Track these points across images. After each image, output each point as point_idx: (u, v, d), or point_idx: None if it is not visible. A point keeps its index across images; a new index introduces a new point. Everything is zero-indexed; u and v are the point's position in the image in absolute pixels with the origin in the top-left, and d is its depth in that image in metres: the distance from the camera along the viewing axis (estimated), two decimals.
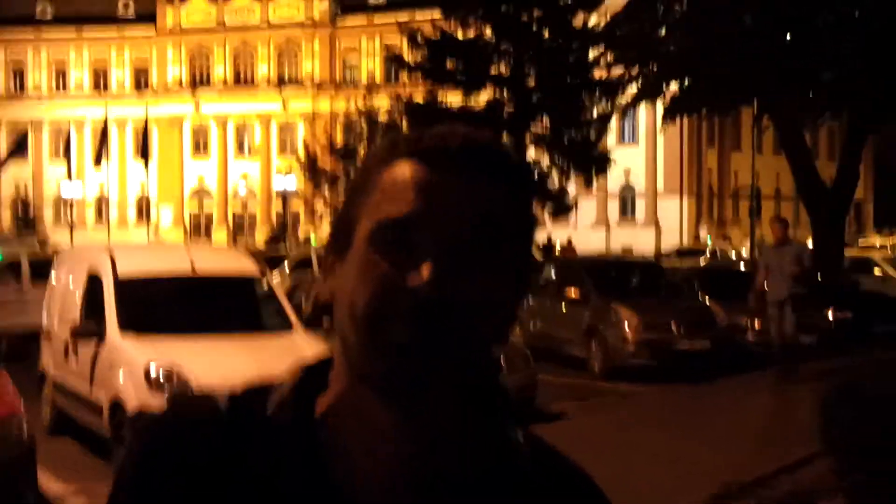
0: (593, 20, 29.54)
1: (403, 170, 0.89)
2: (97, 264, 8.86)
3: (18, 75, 69.23)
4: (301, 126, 64.12)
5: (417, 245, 0.86)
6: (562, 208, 30.64)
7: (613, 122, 32.57)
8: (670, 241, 49.78)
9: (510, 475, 0.94)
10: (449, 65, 29.27)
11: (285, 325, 8.53)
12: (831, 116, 21.83)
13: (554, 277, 15.50)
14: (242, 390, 0.97)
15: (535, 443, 0.98)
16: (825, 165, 28.70)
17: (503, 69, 29.25)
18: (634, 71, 21.38)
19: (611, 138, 32.62)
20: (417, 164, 0.89)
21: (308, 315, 10.11)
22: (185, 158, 66.81)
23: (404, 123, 30.60)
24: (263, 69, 66.14)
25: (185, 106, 66.00)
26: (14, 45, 67.57)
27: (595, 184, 33.10)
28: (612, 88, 27.03)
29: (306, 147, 46.80)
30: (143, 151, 56.95)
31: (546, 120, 29.49)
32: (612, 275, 15.58)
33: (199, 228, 65.32)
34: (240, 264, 9.48)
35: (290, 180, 48.59)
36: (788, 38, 17.87)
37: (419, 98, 30.17)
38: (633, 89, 22.25)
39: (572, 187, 32.12)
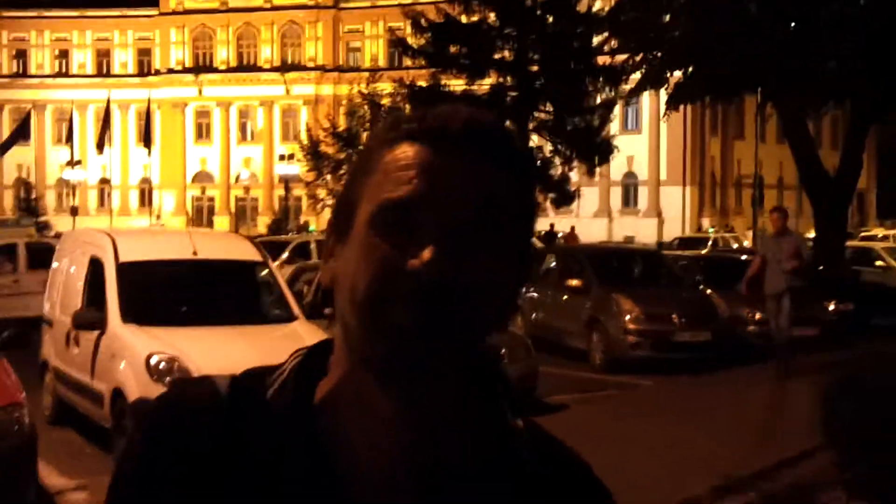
0: (597, 5, 29.46)
1: (406, 151, 0.89)
2: (99, 248, 8.86)
3: (21, 56, 69.12)
4: (304, 111, 64.02)
5: (419, 227, 0.86)
6: (564, 197, 30.61)
7: (617, 110, 32.51)
8: (673, 231, 49.73)
9: (510, 462, 0.94)
10: (452, 49, 29.21)
11: (287, 315, 8.53)
12: (834, 106, 21.76)
13: (555, 266, 15.49)
14: (242, 374, 0.97)
15: (534, 430, 0.98)
16: (828, 155, 28.65)
17: (507, 54, 29.19)
18: (638, 58, 21.32)
19: (614, 126, 32.48)
20: (419, 145, 0.89)
21: (310, 304, 10.12)
22: (188, 143, 66.74)
23: (407, 108, 30.57)
24: (266, 52, 66.01)
25: (188, 90, 65.89)
26: (17, 26, 67.42)
27: (598, 172, 33.04)
28: (615, 75, 26.96)
29: (309, 132, 46.75)
30: (146, 136, 56.97)
31: (549, 106, 29.44)
32: (614, 264, 15.57)
33: (202, 214, 65.33)
34: (241, 249, 9.47)
35: (293, 166, 48.56)
36: (792, 27, 17.81)
37: (422, 82, 30.13)
38: (636, 76, 22.19)
39: (575, 175, 32.09)
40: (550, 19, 28.76)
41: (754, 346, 12.87)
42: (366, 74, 47.76)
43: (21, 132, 54.86)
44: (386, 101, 36.70)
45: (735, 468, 7.17)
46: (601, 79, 28.55)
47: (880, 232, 38.66)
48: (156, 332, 7.83)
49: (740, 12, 17.58)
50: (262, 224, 55.42)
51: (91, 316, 8.28)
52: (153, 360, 7.45)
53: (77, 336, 8.63)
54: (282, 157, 54.23)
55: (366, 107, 38.34)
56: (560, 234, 35.93)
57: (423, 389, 0.89)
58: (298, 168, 47.40)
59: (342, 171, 38.42)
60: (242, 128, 66.93)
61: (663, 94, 23.05)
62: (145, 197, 67.57)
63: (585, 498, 0.99)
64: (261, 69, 65.68)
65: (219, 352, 7.38)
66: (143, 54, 68.10)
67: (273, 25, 65.68)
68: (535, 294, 15.23)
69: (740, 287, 12.17)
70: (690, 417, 9.62)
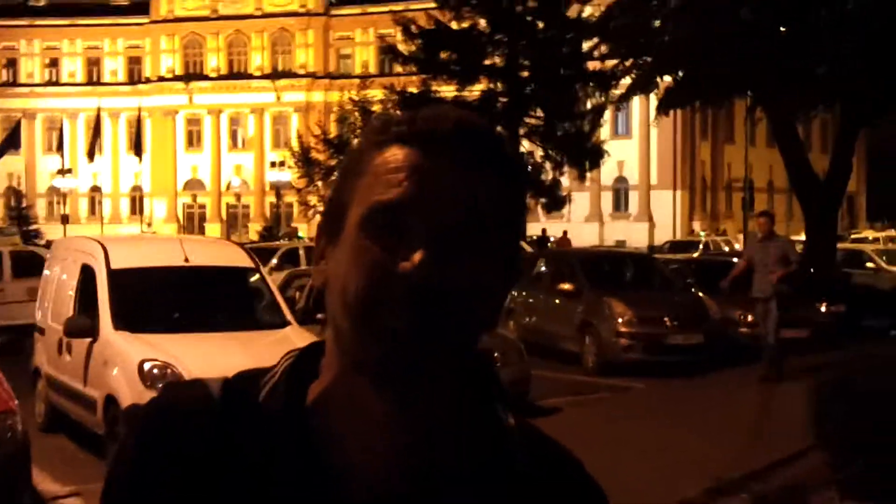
0: (587, 11, 29.52)
1: (395, 154, 0.89)
2: (90, 256, 8.84)
3: (11, 65, 68.93)
4: (295, 118, 63.98)
5: (409, 230, 0.86)
6: (555, 201, 30.64)
7: (607, 115, 32.56)
8: (664, 235, 49.80)
9: (504, 464, 0.94)
10: (443, 55, 29.24)
11: (279, 320, 8.52)
12: (824, 109, 21.85)
13: (547, 270, 15.50)
14: (234, 377, 0.97)
15: (528, 431, 0.98)
16: (818, 158, 28.77)
17: (497, 60, 29.22)
18: (628, 63, 21.38)
19: (604, 131, 32.55)
20: (409, 148, 0.89)
21: (302, 309, 10.11)
22: (179, 151, 66.62)
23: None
24: (257, 60, 65.96)
25: (179, 97, 65.79)
26: (7, 34, 67.23)
27: (588, 177, 33.09)
28: (605, 80, 27.04)
29: (300, 139, 46.70)
30: (137, 144, 56.85)
31: (540, 112, 29.48)
32: (606, 268, 15.58)
33: (193, 221, 65.20)
34: (233, 256, 9.46)
35: (284, 173, 48.50)
36: (784, 31, 17.88)
37: (413, 89, 30.14)
38: (626, 81, 22.24)
39: (566, 180, 32.13)
40: (541, 25, 28.81)
41: (747, 348, 12.89)
42: (356, 81, 47.73)
43: (11, 141, 54.69)
44: (377, 108, 36.68)
45: (728, 470, 7.19)
46: (591, 84, 28.61)
47: (871, 234, 38.81)
48: (148, 339, 7.81)
49: (731, 16, 17.64)
50: (254, 231, 55.31)
51: (83, 323, 8.25)
52: (146, 367, 7.44)
53: (69, 343, 8.61)
54: (273, 164, 54.18)
55: (356, 113, 38.30)
56: (552, 239, 35.94)
57: (416, 392, 0.89)
58: (289, 175, 47.34)
59: (333, 178, 38.38)
60: (233, 135, 66.84)
61: (653, 99, 23.13)
62: (136, 205, 67.36)
63: (579, 498, 0.99)
64: (251, 76, 65.62)
65: (211, 358, 7.36)
66: (134, 62, 67.98)
67: (263, 33, 65.64)
68: (528, 298, 15.24)
69: (723, 283, 12.24)
70: (683, 419, 9.64)
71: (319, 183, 40.21)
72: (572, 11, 29.11)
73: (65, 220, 51.25)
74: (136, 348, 7.70)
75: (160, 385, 7.17)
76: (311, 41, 65.17)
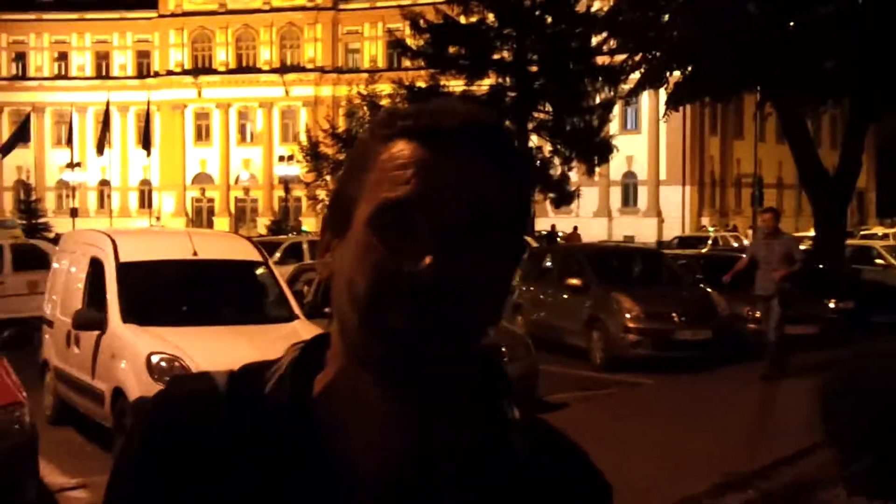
0: (596, 5, 29.47)
1: (402, 150, 0.89)
2: (99, 249, 8.86)
3: (20, 59, 69.10)
4: (303, 112, 64.01)
5: (416, 227, 0.86)
6: (564, 196, 30.60)
7: (616, 110, 32.50)
8: (673, 230, 49.73)
9: (508, 460, 0.94)
10: (451, 50, 29.22)
11: (287, 314, 8.53)
12: (833, 104, 21.78)
13: (555, 266, 15.48)
14: (240, 369, 0.97)
15: (534, 425, 0.99)
16: (828, 154, 28.68)
17: (506, 55, 29.19)
18: (637, 58, 21.32)
19: (613, 126, 32.50)
20: (416, 144, 0.89)
21: (310, 303, 10.12)
22: (188, 145, 66.72)
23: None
24: (265, 54, 65.98)
25: (188, 91, 65.88)
26: (16, 28, 67.39)
27: (597, 172, 33.04)
28: (614, 75, 26.98)
29: (308, 133, 46.72)
30: (145, 138, 56.97)
31: (548, 107, 29.44)
32: (614, 263, 15.56)
33: (202, 215, 65.31)
34: (241, 250, 9.47)
35: (293, 167, 48.54)
36: (792, 25, 17.82)
37: (422, 83, 30.12)
38: (635, 76, 22.19)
39: (574, 175, 32.08)
40: (549, 20, 28.78)
41: (755, 344, 12.86)
42: (365, 75, 47.81)
43: (21, 134, 54.85)
44: (385, 102, 36.69)
45: (735, 466, 7.18)
46: (600, 79, 28.58)
47: (880, 230, 38.68)
48: (156, 332, 7.83)
49: (739, 11, 17.58)
50: (262, 225, 55.39)
51: (91, 316, 8.27)
52: (154, 360, 7.45)
53: (77, 336, 8.63)
54: (281, 159, 54.22)
55: (365, 108, 38.33)
56: (561, 234, 35.87)
57: (420, 388, 0.89)
58: (298, 169, 47.39)
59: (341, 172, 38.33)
60: (242, 129, 66.90)
61: (662, 94, 23.05)
62: (145, 198, 67.55)
63: (584, 491, 0.99)
64: (260, 71, 65.65)
65: (219, 351, 7.37)
66: (143, 56, 68.07)
67: (272, 27, 65.65)
68: (536, 293, 15.23)
69: (725, 278, 12.20)
70: (691, 416, 9.63)
71: (328, 177, 40.23)
72: (581, 6, 29.07)
73: (74, 213, 51.38)
74: (144, 341, 7.71)
75: (168, 378, 7.19)
76: (319, 35, 65.16)
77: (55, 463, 7.64)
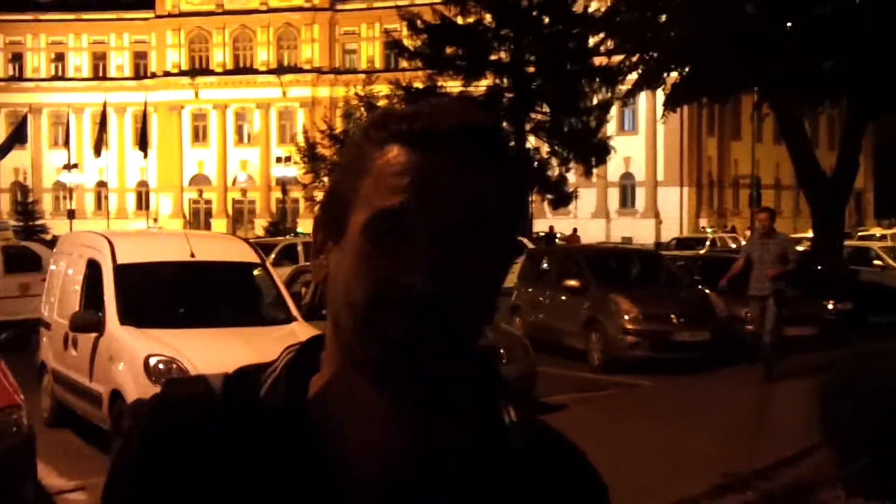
0: (593, 6, 29.50)
1: (397, 156, 0.88)
2: (96, 251, 8.85)
3: (17, 60, 69.05)
4: (300, 113, 64.02)
5: (413, 237, 0.86)
6: (561, 197, 30.63)
7: (613, 111, 32.55)
8: (671, 231, 49.77)
9: (505, 461, 0.94)
10: (448, 51, 29.24)
11: (284, 316, 8.52)
12: (830, 105, 21.80)
13: (554, 267, 15.48)
14: (235, 372, 0.97)
15: (532, 426, 0.99)
16: (825, 155, 28.70)
17: (503, 55, 29.21)
18: (635, 58, 21.34)
19: (610, 127, 32.61)
20: (411, 150, 0.88)
21: (308, 305, 10.11)
22: (185, 146, 66.72)
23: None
24: (262, 55, 65.99)
25: (185, 92, 65.86)
26: (12, 29, 67.35)
27: (594, 173, 33.07)
28: (612, 76, 27.01)
29: (305, 134, 46.74)
30: (142, 140, 56.95)
31: (546, 108, 29.46)
32: (612, 265, 15.55)
33: (199, 217, 65.30)
34: (238, 251, 9.47)
35: (290, 168, 48.56)
36: (789, 26, 17.83)
37: (419, 84, 30.14)
38: (633, 77, 22.20)
39: (572, 176, 32.11)
40: (546, 20, 28.81)
41: (753, 346, 12.86)
42: (362, 76, 47.87)
43: (18, 136, 54.82)
44: (382, 103, 36.72)
45: (734, 467, 7.18)
46: (597, 79, 28.61)
47: (878, 231, 38.71)
48: (154, 334, 7.82)
49: (737, 11, 17.60)
50: (260, 227, 55.40)
51: (89, 318, 8.27)
52: (152, 362, 7.44)
53: (75, 338, 8.62)
54: (279, 160, 54.24)
55: (362, 109, 38.36)
56: (559, 236, 35.85)
57: (416, 393, 0.89)
58: (295, 170, 47.41)
59: None
60: (239, 130, 66.90)
61: (660, 95, 23.06)
62: (142, 200, 67.52)
63: (581, 491, 0.99)
64: (257, 71, 65.66)
65: (217, 353, 7.37)
66: (139, 57, 68.05)
67: (269, 28, 65.66)
68: (534, 294, 15.23)
69: (722, 283, 12.17)
70: (689, 417, 9.63)
71: (325, 178, 40.26)
72: (578, 6, 29.11)
73: (71, 214, 51.36)
74: (141, 343, 7.70)
75: (165, 380, 7.17)
76: (316, 36, 65.18)
77: (53, 465, 7.63)
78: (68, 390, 8.92)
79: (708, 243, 35.14)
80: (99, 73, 68.08)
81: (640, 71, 21.25)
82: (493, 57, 29.23)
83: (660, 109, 22.25)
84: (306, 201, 47.06)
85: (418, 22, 29.39)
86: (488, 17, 28.87)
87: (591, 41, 28.39)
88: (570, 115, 29.29)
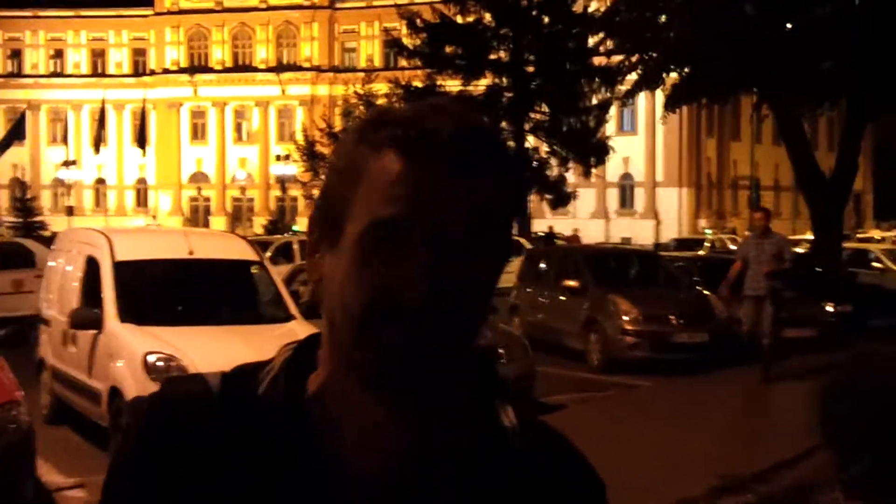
0: (593, 6, 29.49)
1: (393, 163, 0.87)
2: (95, 248, 8.85)
3: (16, 56, 69.00)
4: (300, 111, 63.99)
5: (410, 245, 0.86)
6: (561, 197, 30.62)
7: (612, 111, 32.53)
8: (670, 232, 49.78)
9: (504, 456, 0.94)
10: (448, 50, 29.23)
11: (283, 314, 8.52)
12: (830, 106, 21.79)
13: (553, 267, 15.47)
14: (233, 370, 0.97)
15: (531, 426, 0.99)
16: (825, 156, 28.70)
17: (502, 55, 29.20)
18: (634, 58, 21.33)
19: (609, 127, 32.62)
20: (407, 158, 0.87)
21: (307, 303, 10.11)
22: (184, 143, 66.68)
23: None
24: (262, 53, 65.96)
25: (184, 90, 65.82)
26: (11, 25, 67.30)
27: (594, 173, 33.06)
28: (611, 76, 27.01)
29: (305, 132, 46.71)
30: (141, 137, 56.92)
31: (545, 107, 29.45)
32: (611, 265, 15.55)
33: (198, 214, 65.27)
34: (237, 249, 9.46)
35: (289, 166, 48.55)
36: (788, 26, 17.83)
37: (418, 83, 30.12)
38: (632, 77, 22.19)
39: (571, 176, 32.10)
40: (546, 20, 28.80)
41: (745, 346, 12.84)
42: (361, 75, 47.73)
43: (16, 132, 54.78)
44: (382, 102, 36.71)
45: (732, 469, 7.18)
46: (597, 80, 28.59)
47: (877, 234, 38.73)
48: (153, 332, 7.82)
49: (737, 12, 17.59)
50: (259, 224, 55.39)
51: (88, 315, 8.26)
52: (150, 359, 7.44)
53: (74, 335, 8.62)
54: (277, 158, 54.23)
55: (361, 107, 38.33)
56: (559, 236, 35.83)
57: (413, 396, 0.89)
58: (294, 168, 47.40)
59: None
60: (238, 128, 66.87)
61: (659, 95, 23.07)
62: (141, 197, 67.50)
63: (579, 489, 0.99)
64: (256, 69, 65.64)
65: (216, 351, 7.36)
66: (139, 54, 68.00)
67: (268, 25, 65.63)
68: (533, 295, 15.22)
69: (720, 290, 12.11)
70: (688, 418, 9.63)
71: (324, 177, 40.17)
72: (578, 6, 29.10)
73: (69, 211, 51.35)
74: (140, 341, 7.70)
75: (164, 378, 7.17)
76: (316, 34, 65.15)
77: (52, 462, 7.63)
78: (67, 387, 8.92)
79: (707, 244, 35.14)
80: (98, 69, 68.02)
81: (639, 71, 21.25)
82: (492, 56, 29.21)
83: (659, 110, 22.26)
84: (305, 199, 47.05)
85: (418, 21, 29.38)
86: (488, 17, 28.85)
87: (591, 41, 28.39)
88: (569, 114, 29.29)
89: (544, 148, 30.42)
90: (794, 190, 40.66)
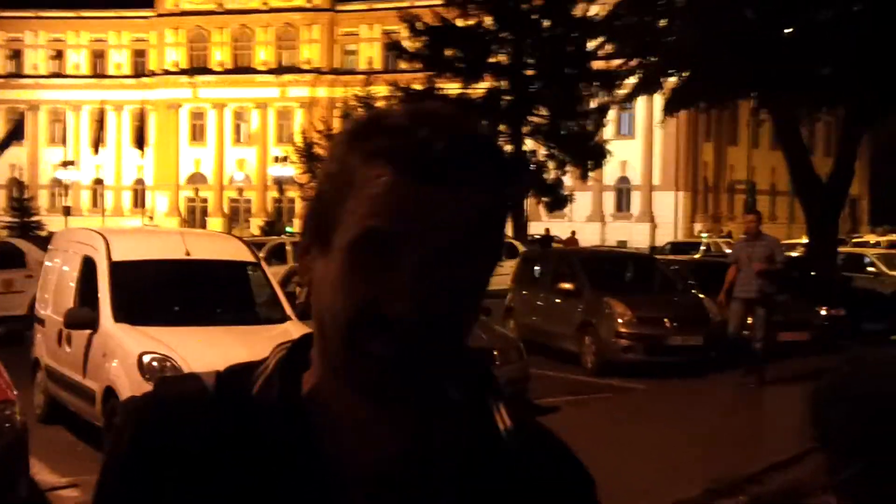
0: (593, 10, 29.51)
1: (381, 176, 0.86)
2: (91, 248, 8.84)
3: (16, 56, 68.97)
4: (299, 113, 63.97)
5: (398, 259, 0.85)
6: (557, 200, 30.64)
7: (611, 115, 32.56)
8: (666, 236, 49.78)
9: (500, 457, 0.94)
10: (448, 53, 29.25)
11: (279, 315, 8.51)
12: (827, 111, 21.83)
13: (548, 270, 15.47)
14: (227, 370, 0.97)
15: (525, 427, 0.98)
16: (821, 161, 28.74)
17: (502, 58, 29.22)
18: (633, 63, 21.36)
19: (607, 131, 32.63)
20: (396, 170, 0.86)
21: (303, 304, 10.11)
22: (182, 145, 66.63)
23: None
24: (262, 54, 65.95)
25: (183, 91, 65.79)
26: (12, 26, 67.26)
27: (591, 176, 33.08)
28: (610, 80, 27.05)
29: (303, 134, 46.73)
30: (140, 138, 56.92)
31: (544, 111, 29.48)
32: (606, 268, 15.55)
33: (195, 215, 65.22)
34: (234, 250, 9.46)
35: (287, 168, 48.55)
36: (787, 32, 17.86)
37: (418, 86, 30.13)
38: (631, 81, 22.22)
39: (568, 180, 32.12)
40: (546, 24, 28.82)
41: (731, 347, 12.83)
42: (361, 77, 47.85)
43: (15, 133, 54.78)
44: (381, 105, 36.73)
45: (726, 471, 7.19)
46: (596, 83, 28.63)
47: (872, 238, 38.76)
48: (148, 332, 7.81)
49: (737, 15, 17.62)
50: (256, 226, 55.38)
51: (83, 315, 8.25)
52: (145, 360, 7.44)
53: (69, 335, 8.61)
54: (276, 160, 54.22)
55: (361, 110, 38.35)
56: (556, 239, 35.82)
57: (401, 403, 0.89)
58: (293, 170, 47.40)
59: None
60: (237, 129, 66.84)
61: (657, 100, 23.10)
62: (138, 198, 67.45)
63: (569, 486, 0.99)
64: (256, 71, 65.60)
65: (211, 352, 7.36)
66: (139, 55, 67.96)
67: (268, 27, 65.62)
68: (528, 297, 15.22)
69: (720, 300, 12.09)
70: (682, 421, 9.64)
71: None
72: (578, 10, 29.11)
73: (67, 211, 51.38)
74: (135, 341, 7.69)
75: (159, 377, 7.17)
76: (316, 37, 65.15)
77: (46, 461, 7.62)
78: (62, 387, 8.91)
79: (703, 248, 35.13)
80: (98, 70, 67.97)
81: (638, 75, 21.27)
82: (492, 59, 29.22)
83: (657, 114, 22.31)
84: (303, 201, 47.00)
85: (418, 24, 29.39)
86: (488, 20, 28.86)
87: (591, 45, 28.40)
88: (567, 118, 29.31)
89: (542, 151, 30.44)
90: (791, 194, 40.69)
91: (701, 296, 13.88)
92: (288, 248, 21.85)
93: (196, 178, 66.56)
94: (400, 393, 0.87)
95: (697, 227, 53.83)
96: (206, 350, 7.44)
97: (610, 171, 47.90)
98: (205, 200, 66.21)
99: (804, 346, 12.83)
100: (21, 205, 47.99)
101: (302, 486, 0.89)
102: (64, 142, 59.66)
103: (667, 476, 7.28)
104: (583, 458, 1.03)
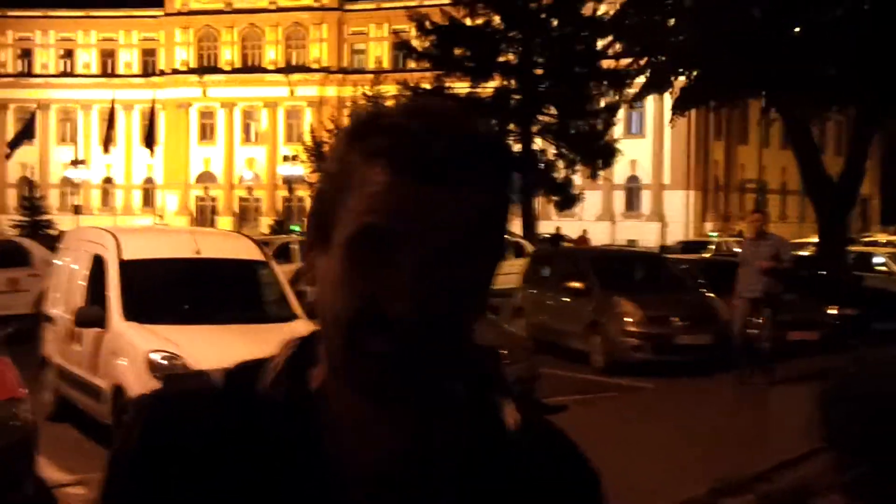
0: (602, 9, 29.47)
1: (382, 175, 0.86)
2: (102, 246, 8.87)
3: (26, 56, 69.21)
4: (308, 112, 64.04)
5: (398, 256, 0.85)
6: (567, 199, 30.61)
7: (620, 114, 32.50)
8: (676, 235, 49.67)
9: (505, 457, 0.94)
10: (457, 52, 29.24)
11: (288, 314, 8.53)
12: (838, 111, 21.75)
13: (557, 269, 15.46)
14: (236, 367, 0.97)
15: (533, 425, 0.98)
16: (832, 160, 28.65)
17: (511, 57, 29.21)
18: (643, 62, 21.33)
19: (617, 130, 32.55)
20: (396, 171, 0.86)
21: (312, 303, 10.12)
22: (192, 144, 66.79)
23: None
24: (271, 54, 66.05)
25: (193, 90, 65.93)
26: (22, 25, 67.51)
27: (601, 175, 33.03)
28: (619, 79, 27.01)
29: (313, 133, 46.78)
30: (150, 137, 57.06)
31: (553, 110, 29.45)
32: (616, 267, 15.53)
33: (205, 214, 65.35)
34: (244, 249, 9.48)
35: (296, 167, 48.61)
36: (796, 31, 17.81)
37: (427, 85, 30.14)
38: (640, 80, 22.18)
39: (578, 179, 32.08)
40: (555, 23, 28.79)
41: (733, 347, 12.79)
42: (370, 76, 47.85)
43: (26, 132, 54.99)
44: (390, 104, 36.74)
45: (734, 470, 7.18)
46: (605, 83, 28.59)
47: (883, 238, 38.59)
48: (157, 330, 7.84)
49: (744, 14, 17.58)
50: (265, 225, 55.45)
51: (93, 313, 8.28)
52: (154, 357, 7.46)
53: (79, 333, 8.64)
54: (285, 159, 54.26)
55: (370, 109, 38.39)
56: (566, 238, 35.75)
57: (402, 402, 0.89)
58: (302, 169, 47.44)
59: None
60: (246, 129, 66.96)
61: (667, 99, 23.06)
62: (149, 197, 67.64)
63: (575, 484, 0.99)
64: (265, 70, 65.71)
65: (220, 350, 7.36)
66: (148, 55, 68.14)
67: (278, 27, 65.72)
68: (537, 296, 15.22)
69: (732, 303, 12.05)
70: (691, 420, 9.62)
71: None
72: (587, 9, 29.08)
73: (77, 210, 51.51)
74: (145, 339, 7.72)
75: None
76: (325, 36, 65.21)
77: (54, 459, 7.63)
78: (71, 385, 8.94)
79: (713, 247, 35.04)
80: (108, 70, 68.17)
81: (647, 74, 21.24)
82: (501, 59, 29.21)
83: (667, 113, 22.27)
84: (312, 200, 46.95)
85: (427, 23, 29.38)
86: (497, 19, 28.84)
87: (600, 44, 28.37)
88: (577, 117, 29.27)
89: (552, 150, 30.41)
90: (801, 194, 40.58)
91: (710, 295, 13.85)
92: (293, 246, 21.85)
93: (206, 177, 66.70)
94: (400, 392, 0.87)
95: (708, 226, 53.70)
96: (214, 348, 7.45)
97: (620, 171, 47.81)
98: (214, 199, 66.35)
99: (813, 345, 12.79)
100: (32, 204, 48.17)
101: (303, 484, 0.89)
102: (74, 141, 59.84)
103: (675, 475, 7.28)
104: (591, 457, 1.02)
